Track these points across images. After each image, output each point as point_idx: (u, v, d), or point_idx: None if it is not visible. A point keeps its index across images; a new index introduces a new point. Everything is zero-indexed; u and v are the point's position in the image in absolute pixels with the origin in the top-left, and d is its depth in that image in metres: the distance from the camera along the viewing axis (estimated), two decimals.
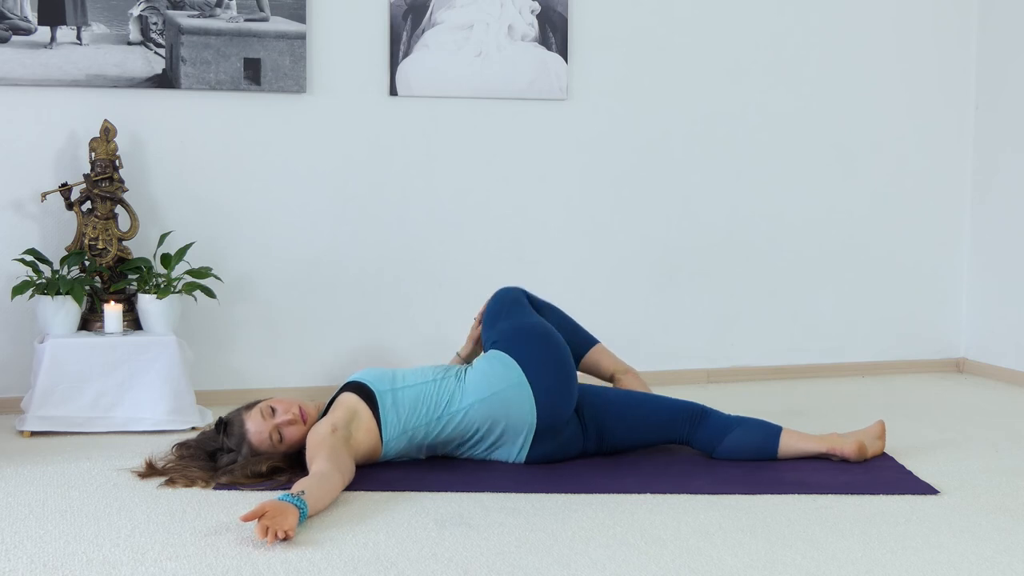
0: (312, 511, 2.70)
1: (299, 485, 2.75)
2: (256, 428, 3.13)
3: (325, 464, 2.87)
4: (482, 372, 3.25)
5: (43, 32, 4.00)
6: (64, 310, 3.76)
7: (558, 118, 4.54)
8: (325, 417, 3.11)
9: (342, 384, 3.27)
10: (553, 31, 4.47)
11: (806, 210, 4.84)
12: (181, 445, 3.24)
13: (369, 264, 4.40)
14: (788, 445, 3.33)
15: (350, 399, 3.16)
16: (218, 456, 3.15)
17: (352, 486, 2.99)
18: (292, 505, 2.62)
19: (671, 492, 3.04)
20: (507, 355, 3.27)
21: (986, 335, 4.95)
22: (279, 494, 2.73)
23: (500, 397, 3.19)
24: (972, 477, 3.21)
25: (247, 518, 2.57)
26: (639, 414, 3.35)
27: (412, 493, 3.00)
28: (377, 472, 3.14)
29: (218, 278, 4.05)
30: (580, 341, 3.69)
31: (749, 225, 4.78)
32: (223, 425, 3.17)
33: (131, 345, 3.74)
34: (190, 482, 3.05)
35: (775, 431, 3.34)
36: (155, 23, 4.10)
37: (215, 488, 3.02)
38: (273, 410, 3.13)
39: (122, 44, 4.07)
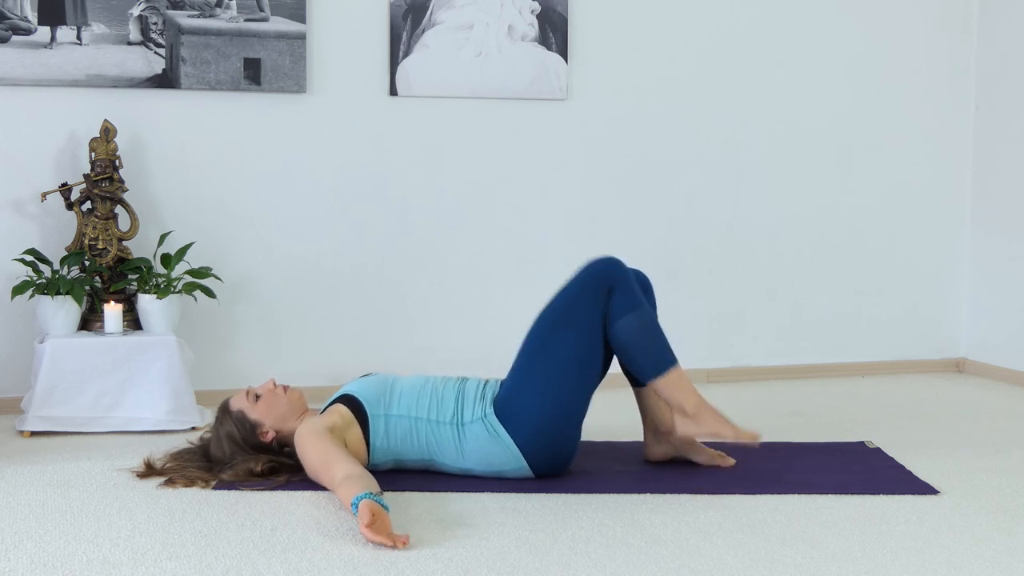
0: None
1: (371, 486, 2.71)
2: (236, 398, 3.17)
3: (357, 466, 2.82)
4: (481, 448, 3.08)
5: (43, 32, 4.00)
6: (64, 310, 3.76)
7: (558, 118, 4.54)
8: (320, 417, 3.09)
9: (336, 394, 3.19)
10: (553, 31, 4.47)
11: (806, 210, 4.85)
12: (180, 451, 3.26)
13: (369, 264, 4.40)
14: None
15: (346, 413, 3.09)
16: (211, 448, 3.16)
17: None
18: (381, 507, 2.63)
19: (671, 492, 3.04)
20: (510, 439, 3.05)
21: (986, 335, 4.95)
22: (357, 495, 2.65)
23: (497, 472, 3.11)
24: (972, 477, 3.21)
25: (384, 541, 2.54)
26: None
27: (412, 493, 3.00)
28: (376, 472, 3.13)
29: (218, 278, 4.05)
30: (651, 363, 3.15)
31: (749, 225, 4.78)
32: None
33: (131, 345, 3.74)
34: (190, 482, 3.05)
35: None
36: (155, 23, 4.10)
37: (215, 488, 3.02)
38: (257, 396, 3.16)
39: (122, 44, 4.07)
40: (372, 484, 2.73)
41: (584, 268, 3.15)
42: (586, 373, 3.10)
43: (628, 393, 4.53)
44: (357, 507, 2.61)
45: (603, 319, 3.10)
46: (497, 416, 3.06)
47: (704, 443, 3.34)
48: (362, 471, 2.80)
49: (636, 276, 3.28)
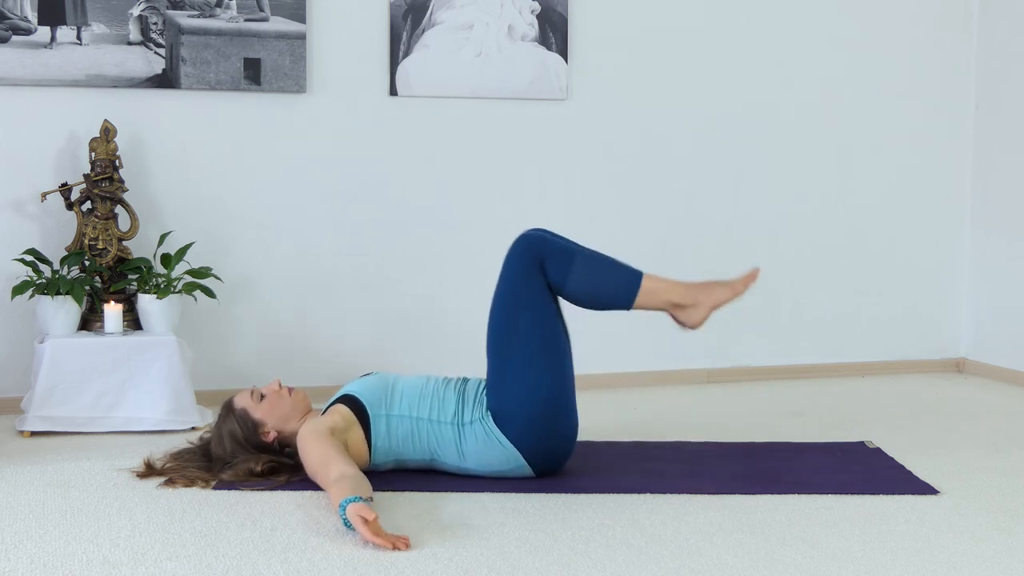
0: None
1: (362, 489, 2.70)
2: (241, 397, 3.17)
3: (351, 468, 2.81)
4: (480, 449, 3.07)
5: (43, 32, 4.00)
6: (64, 310, 3.76)
7: (558, 118, 4.54)
8: (322, 417, 3.09)
9: (337, 394, 3.18)
10: (553, 31, 4.47)
11: (806, 210, 4.85)
12: (180, 451, 3.26)
13: (369, 263, 4.40)
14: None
15: (347, 413, 3.08)
16: (212, 445, 3.16)
17: None
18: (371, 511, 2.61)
19: (671, 492, 3.04)
20: (508, 441, 3.05)
21: (986, 335, 4.95)
22: (346, 498, 2.63)
23: (497, 472, 3.11)
24: (972, 477, 3.21)
25: (385, 543, 2.54)
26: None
27: (412, 493, 3.00)
28: (377, 472, 3.14)
29: (218, 278, 4.05)
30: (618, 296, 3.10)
31: (749, 225, 4.78)
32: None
33: (131, 345, 3.74)
34: (190, 482, 3.05)
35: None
36: (155, 23, 4.10)
37: (215, 488, 3.02)
38: (262, 395, 3.17)
39: (122, 44, 4.07)
40: (363, 488, 2.72)
41: (508, 257, 3.12)
42: (555, 351, 3.08)
43: (627, 394, 4.55)
44: (344, 509, 2.61)
45: (550, 290, 3.08)
46: (493, 418, 3.06)
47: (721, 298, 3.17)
48: (356, 473, 2.80)
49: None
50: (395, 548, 2.54)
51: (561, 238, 3.16)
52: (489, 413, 3.06)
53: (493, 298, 3.15)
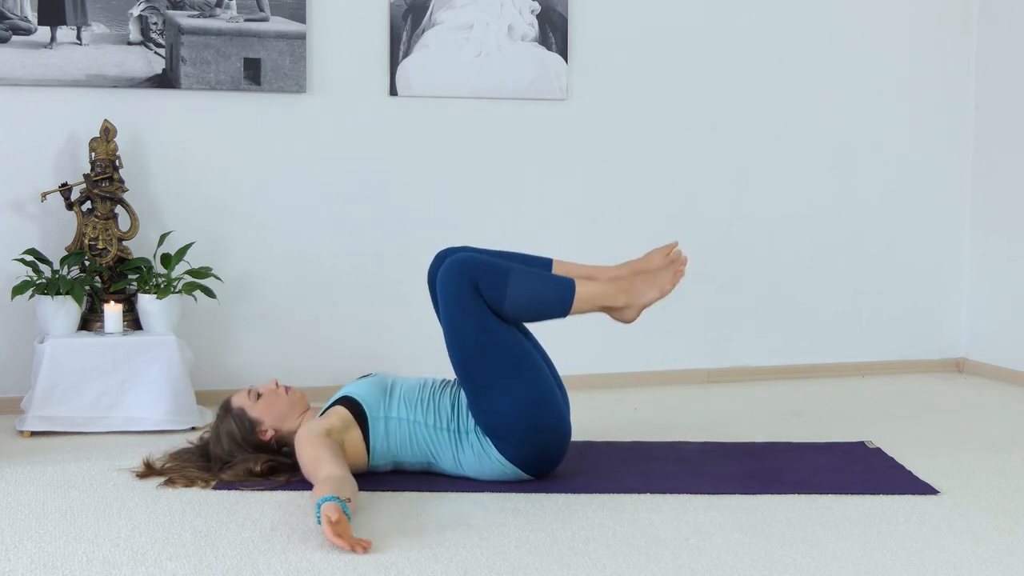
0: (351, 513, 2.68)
1: (343, 491, 2.68)
2: (238, 396, 3.18)
3: (339, 469, 2.81)
4: (476, 463, 3.07)
5: (43, 32, 4.00)
6: (64, 310, 3.76)
7: (558, 118, 4.54)
8: (319, 419, 3.09)
9: (336, 395, 3.18)
10: (553, 31, 4.47)
11: (806, 210, 4.85)
12: (179, 451, 3.26)
13: (369, 263, 4.40)
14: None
15: (345, 415, 3.08)
16: (210, 445, 3.15)
17: None
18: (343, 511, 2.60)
19: (671, 492, 3.04)
20: (503, 457, 3.04)
21: (986, 335, 4.95)
22: (322, 497, 2.62)
23: (493, 479, 3.10)
24: (972, 477, 3.21)
25: (343, 544, 2.52)
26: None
27: (412, 493, 3.00)
28: (376, 473, 3.14)
29: (218, 278, 4.05)
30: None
31: (749, 225, 4.78)
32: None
33: (131, 345, 3.74)
34: (190, 482, 3.05)
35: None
36: (155, 23, 4.10)
37: (215, 488, 3.02)
38: (259, 394, 3.17)
39: (122, 44, 4.07)
40: (345, 489, 2.70)
41: (443, 285, 3.07)
42: (522, 360, 3.04)
43: (627, 394, 4.55)
44: (319, 508, 2.60)
45: (491, 311, 3.05)
46: (484, 436, 3.06)
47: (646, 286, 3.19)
48: (343, 474, 2.79)
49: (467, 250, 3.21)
50: (353, 550, 2.52)
51: (487, 253, 3.14)
52: (481, 431, 3.06)
53: (443, 329, 3.12)
